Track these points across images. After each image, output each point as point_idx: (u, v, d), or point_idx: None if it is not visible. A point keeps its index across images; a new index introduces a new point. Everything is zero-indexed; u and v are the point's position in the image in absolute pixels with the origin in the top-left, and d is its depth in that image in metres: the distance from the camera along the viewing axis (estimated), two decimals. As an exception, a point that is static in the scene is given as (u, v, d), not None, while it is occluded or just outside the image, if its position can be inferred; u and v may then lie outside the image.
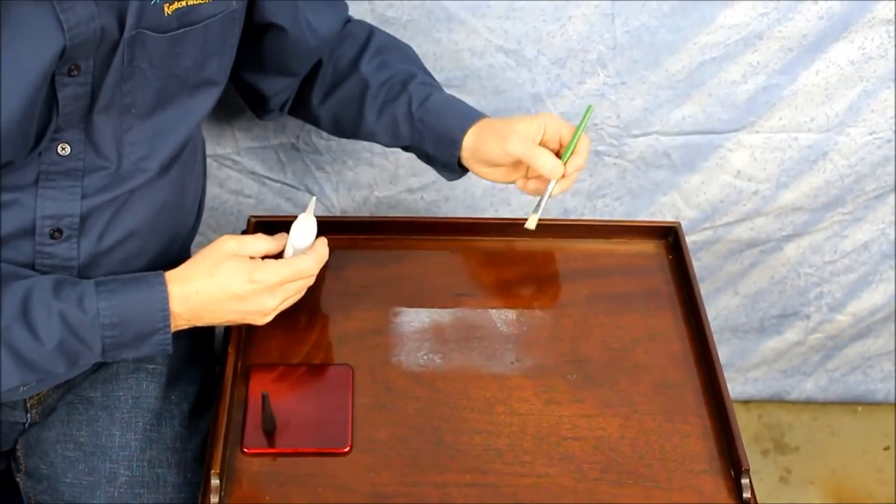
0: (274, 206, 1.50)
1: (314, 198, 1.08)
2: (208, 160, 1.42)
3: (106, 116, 0.96)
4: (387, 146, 1.21)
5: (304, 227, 1.05)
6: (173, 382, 1.17)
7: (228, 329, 1.08)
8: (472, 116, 1.14)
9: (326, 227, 1.11)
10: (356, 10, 1.30)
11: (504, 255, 1.22)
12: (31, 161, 0.95)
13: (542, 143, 1.11)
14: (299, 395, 1.05)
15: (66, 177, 0.97)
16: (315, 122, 1.25)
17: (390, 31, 1.31)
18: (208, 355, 1.24)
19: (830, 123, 1.45)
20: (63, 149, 0.96)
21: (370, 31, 1.20)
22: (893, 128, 1.46)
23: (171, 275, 1.00)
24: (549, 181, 1.12)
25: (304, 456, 1.00)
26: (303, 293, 1.07)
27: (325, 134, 1.43)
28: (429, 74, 1.21)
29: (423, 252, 1.21)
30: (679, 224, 1.23)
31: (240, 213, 1.52)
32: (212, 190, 1.47)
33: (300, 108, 1.24)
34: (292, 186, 1.50)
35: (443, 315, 1.14)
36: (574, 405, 1.06)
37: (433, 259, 1.21)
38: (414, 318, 1.14)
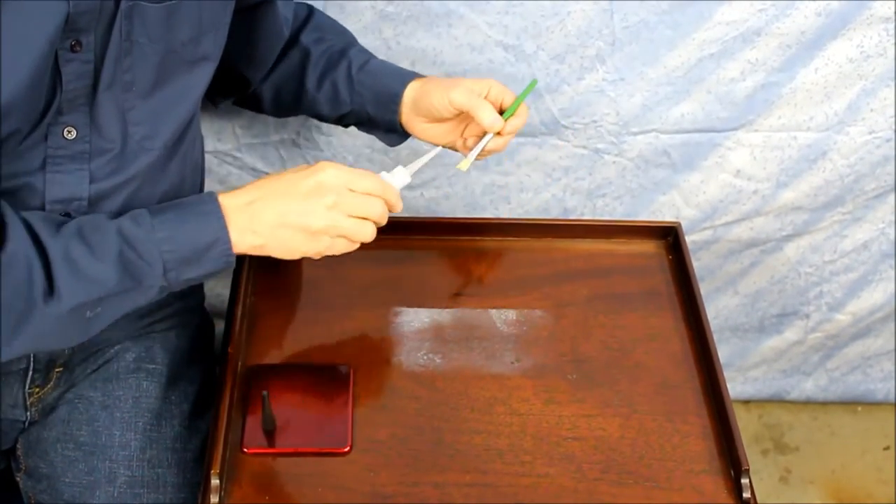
0: (273, 203, 1.51)
1: (431, 153, 1.11)
2: (208, 157, 1.43)
3: (109, 95, 0.97)
4: (327, 118, 1.22)
5: (403, 177, 1.08)
6: (173, 382, 1.17)
7: (228, 329, 1.09)
8: (412, 74, 1.17)
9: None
10: (355, 7, 1.31)
11: (504, 254, 1.23)
12: (38, 145, 0.96)
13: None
14: (299, 394, 1.05)
15: (73, 160, 0.98)
16: (256, 103, 1.26)
17: (390, 27, 1.32)
18: (208, 355, 1.25)
19: (830, 122, 1.46)
20: (69, 132, 0.97)
21: (310, 10, 1.23)
22: (893, 127, 1.46)
23: (232, 194, 0.99)
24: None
25: (304, 456, 1.00)
26: (366, 232, 1.03)
27: (325, 129, 1.43)
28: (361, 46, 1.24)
29: (423, 252, 1.22)
30: (679, 224, 1.24)
31: (239, 211, 1.52)
32: (212, 187, 1.47)
33: (240, 92, 1.25)
34: (291, 184, 1.51)
35: (443, 315, 1.15)
36: (574, 405, 1.06)
37: (433, 259, 1.22)
38: (414, 318, 1.15)
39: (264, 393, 0.99)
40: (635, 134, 1.46)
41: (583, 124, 1.45)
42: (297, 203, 0.99)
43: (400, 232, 1.22)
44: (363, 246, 1.21)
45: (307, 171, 1.01)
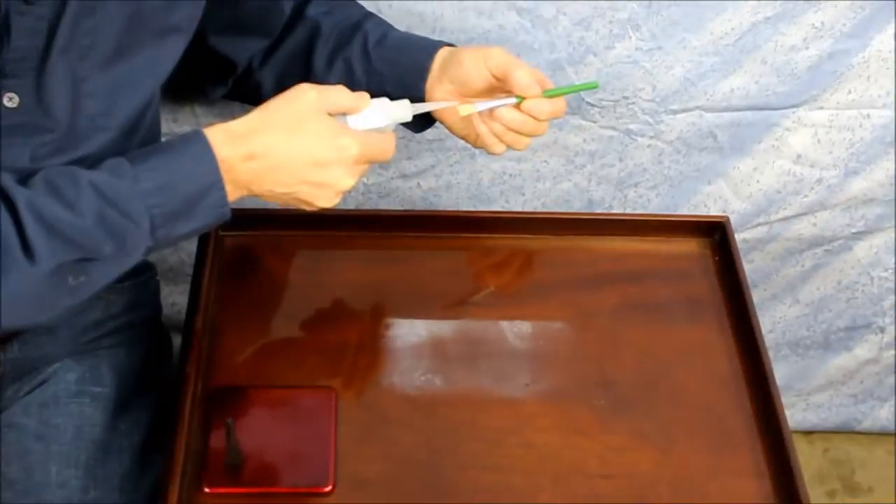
0: (242, 196, 1.51)
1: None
2: (163, 140, 1.42)
3: (63, 61, 0.97)
4: None
5: (395, 111, 1.07)
6: (122, 409, 1.17)
7: (187, 344, 1.09)
8: (437, 43, 1.17)
9: (303, 222, 1.11)
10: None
11: (517, 255, 1.23)
12: None
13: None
14: (271, 423, 1.05)
15: (12, 133, 0.98)
16: (255, 93, 1.26)
17: (385, -15, 1.32)
18: (163, 377, 1.25)
19: (909, 98, 1.46)
20: (10, 99, 0.97)
21: None
22: None
23: (235, 125, 1.00)
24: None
25: (278, 497, 1.00)
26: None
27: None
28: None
29: (420, 252, 1.22)
30: (727, 219, 1.24)
31: (201, 204, 1.52)
32: (167, 177, 1.47)
33: (236, 83, 1.26)
34: (263, 172, 1.51)
35: (443, 327, 1.15)
36: (601, 437, 1.06)
37: (432, 261, 1.21)
38: (409, 331, 1.14)
39: (229, 421, 0.99)
40: (675, 112, 1.46)
41: (612, 101, 1.44)
42: (310, 183, 1.02)
43: (392, 228, 1.22)
44: (348, 245, 1.21)
45: (324, 127, 1.01)
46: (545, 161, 1.50)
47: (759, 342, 1.12)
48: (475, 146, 1.17)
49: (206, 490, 1.00)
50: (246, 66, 1.23)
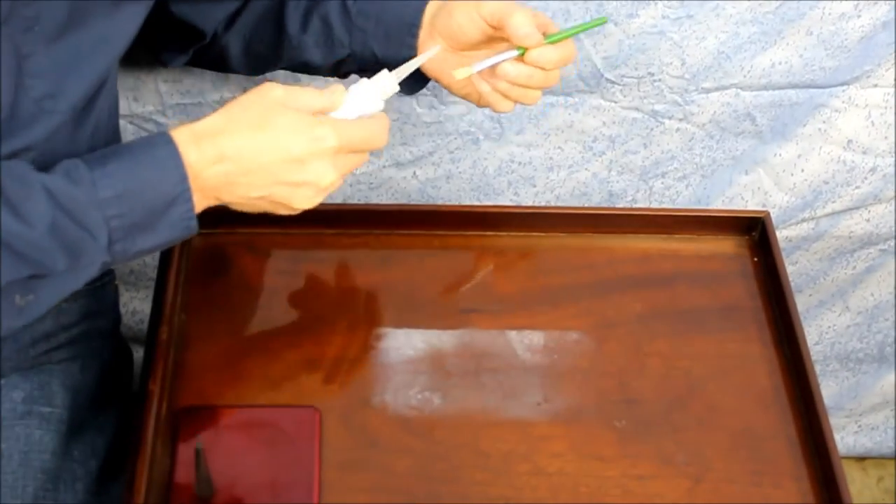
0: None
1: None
2: (122, 122, 1.43)
3: (2, 34, 0.97)
4: (320, 67, 1.23)
5: (375, 91, 1.07)
6: (77, 432, 1.17)
7: (150, 359, 1.09)
8: None
9: (282, 218, 1.12)
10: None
11: (527, 256, 1.23)
12: None
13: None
14: (246, 448, 1.05)
15: None
16: (221, 60, 1.27)
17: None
18: (123, 396, 1.25)
19: (977, 74, 1.46)
20: None
21: None
22: None
23: (198, 126, 1.00)
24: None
25: (254, 532, 1.00)
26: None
27: (282, 80, 1.43)
28: None
29: (417, 252, 1.22)
30: (767, 214, 1.24)
31: (164, 198, 1.52)
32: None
33: (198, 50, 1.26)
34: (236, 160, 1.51)
35: (443, 338, 1.15)
36: (623, 462, 1.06)
37: (430, 262, 1.22)
38: (404, 343, 1.15)
39: (198, 445, 1.00)
40: (707, 91, 1.46)
41: (635, 78, 1.45)
42: (287, 183, 1.02)
43: (385, 225, 1.23)
44: (334, 244, 1.22)
45: (295, 120, 1.01)
46: (559, 147, 1.51)
47: (803, 355, 1.12)
48: (479, 105, 1.18)
49: (173, 525, 1.00)
50: (211, 33, 1.23)
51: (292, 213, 1.05)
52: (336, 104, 1.05)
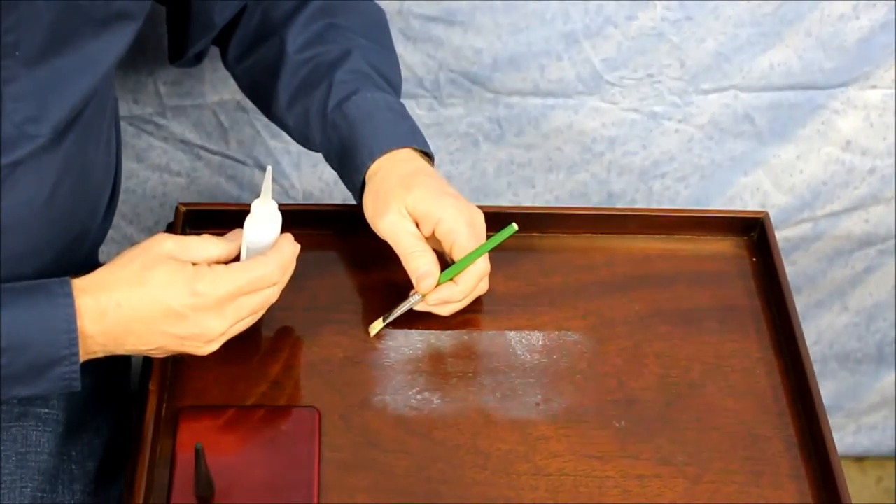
0: (212, 186, 1.51)
1: (269, 169, 1.06)
2: (123, 124, 1.43)
3: None
4: (302, 146, 1.23)
5: (263, 218, 1.05)
6: (74, 433, 1.17)
7: (149, 359, 1.09)
8: (392, 142, 1.14)
9: (284, 217, 1.12)
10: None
11: (527, 256, 1.23)
12: None
13: (435, 238, 1.12)
14: (247, 448, 1.05)
15: None
16: (237, 82, 1.28)
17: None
18: (121, 395, 1.25)
19: (977, 75, 1.46)
20: None
21: None
22: None
23: (81, 282, 1.00)
24: None
25: (254, 532, 1.00)
26: (262, 313, 1.08)
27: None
28: (382, 59, 1.21)
29: (416, 253, 1.22)
30: (766, 214, 1.24)
31: (165, 198, 1.52)
32: (127, 165, 1.47)
33: (222, 56, 1.27)
34: (237, 160, 1.51)
35: (442, 339, 1.15)
36: (623, 463, 1.06)
37: (429, 262, 1.22)
38: (403, 343, 1.15)
39: (198, 446, 0.99)
40: (707, 92, 1.46)
41: (635, 79, 1.45)
42: (172, 335, 1.02)
43: (384, 226, 1.23)
44: (334, 245, 1.22)
45: (173, 274, 1.01)
46: (558, 148, 1.51)
47: (802, 356, 1.12)
48: None
49: (172, 525, 1.00)
50: (206, 43, 1.23)
51: (202, 354, 1.05)
52: (230, 252, 1.05)
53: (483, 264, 1.12)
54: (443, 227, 1.10)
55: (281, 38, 1.19)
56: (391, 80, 1.21)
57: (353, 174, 1.15)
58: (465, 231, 1.10)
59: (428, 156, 1.17)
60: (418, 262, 1.10)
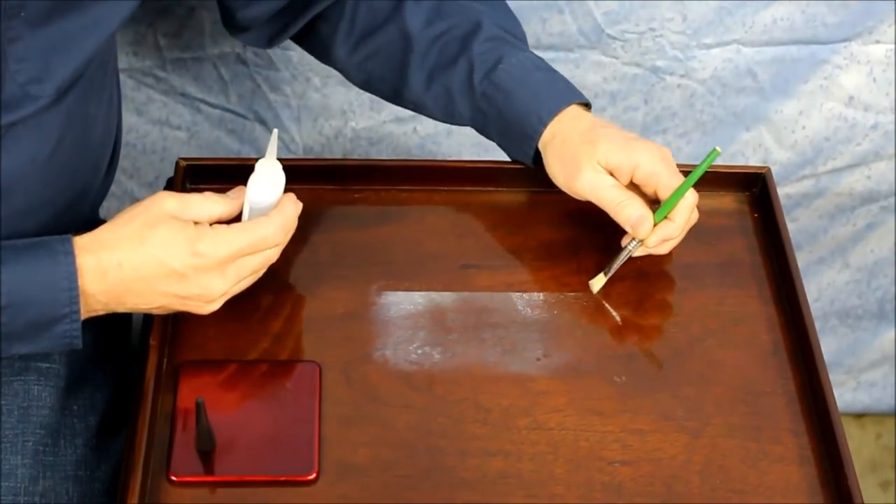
0: (212, 140, 1.51)
1: (276, 132, 1.06)
2: (122, 77, 1.42)
3: None
4: (442, 122, 1.23)
5: (266, 179, 1.05)
6: (75, 387, 1.18)
7: (149, 315, 1.09)
8: (557, 102, 1.15)
9: (284, 172, 1.12)
10: None
11: (527, 211, 1.23)
12: None
13: (635, 185, 1.13)
14: (247, 403, 1.06)
15: None
16: (346, 76, 1.27)
17: None
18: (122, 350, 1.26)
19: (982, 29, 1.46)
20: None
21: None
22: None
23: (82, 240, 1.00)
24: None
25: (255, 486, 1.01)
26: (262, 272, 1.08)
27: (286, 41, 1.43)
28: (506, 18, 1.21)
29: (417, 208, 1.22)
30: (768, 170, 1.24)
31: (165, 152, 1.52)
32: (127, 119, 1.47)
33: (323, 53, 1.25)
34: (237, 114, 1.51)
35: (443, 294, 1.16)
36: (623, 418, 1.07)
37: (430, 218, 1.22)
38: (404, 299, 1.15)
39: (199, 400, 1.00)
40: (709, 47, 1.46)
41: (636, 33, 1.45)
42: (173, 295, 1.03)
43: (385, 180, 1.23)
44: (335, 199, 1.22)
45: (175, 234, 1.01)
46: (559, 103, 1.50)
47: (803, 312, 1.12)
48: None
49: (173, 479, 1.01)
50: (261, 21, 1.21)
51: (203, 313, 1.06)
52: (233, 210, 1.05)
53: (692, 195, 1.12)
54: (642, 172, 1.11)
55: (399, 21, 1.18)
56: (520, 37, 1.21)
57: (521, 143, 1.16)
58: (665, 170, 1.11)
59: (586, 105, 1.18)
60: (630, 210, 1.11)
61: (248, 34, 1.23)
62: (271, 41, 1.23)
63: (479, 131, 1.20)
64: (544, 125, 1.14)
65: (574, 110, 1.15)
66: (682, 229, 1.13)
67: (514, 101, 1.15)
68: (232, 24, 1.23)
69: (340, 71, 1.26)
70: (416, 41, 1.18)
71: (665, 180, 1.11)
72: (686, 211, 1.12)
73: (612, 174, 1.12)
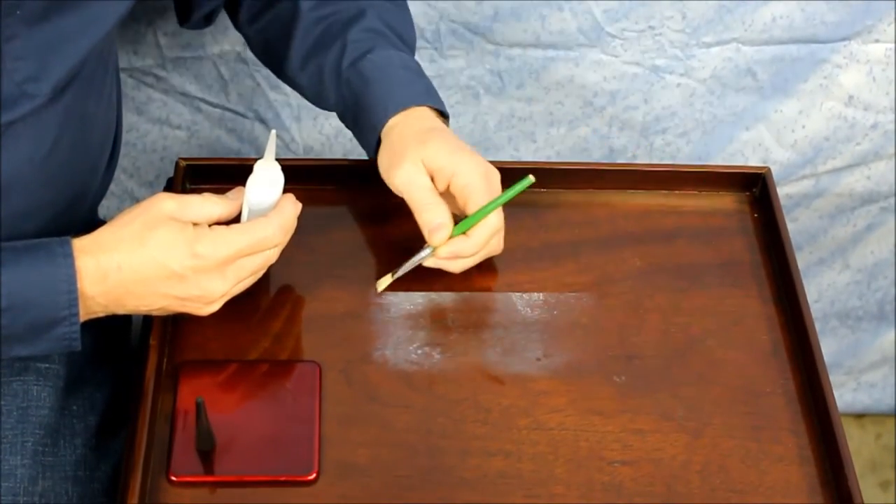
0: (212, 139, 1.51)
1: (274, 133, 1.07)
2: (122, 76, 1.42)
3: None
4: (315, 105, 1.23)
5: (265, 180, 1.06)
6: (75, 387, 1.18)
7: (148, 315, 1.09)
8: (409, 100, 1.15)
9: (284, 172, 1.12)
10: None
11: (528, 212, 1.23)
12: None
13: (451, 195, 1.12)
14: (247, 403, 1.06)
15: None
16: (248, 43, 1.28)
17: None
18: (122, 350, 1.26)
19: (983, 29, 1.46)
20: None
21: None
22: None
23: (81, 242, 1.01)
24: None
25: (254, 486, 1.01)
26: (262, 273, 1.08)
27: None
28: (396, 17, 1.21)
29: (417, 208, 1.22)
30: (768, 170, 1.24)
31: (165, 151, 1.52)
32: (127, 118, 1.47)
33: (234, 20, 1.27)
34: (237, 113, 1.51)
35: (443, 294, 1.16)
36: (623, 418, 1.07)
37: (430, 217, 1.22)
38: (404, 299, 1.15)
39: (199, 399, 1.00)
40: (708, 45, 1.46)
41: (636, 32, 1.45)
42: (173, 297, 1.03)
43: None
44: (334, 199, 1.22)
45: (175, 236, 1.01)
46: (559, 103, 1.51)
47: (803, 312, 1.12)
48: None
49: (173, 479, 1.01)
50: (210, 6, 1.23)
51: (203, 314, 1.06)
52: (232, 211, 1.05)
53: (496, 219, 1.11)
54: (458, 182, 1.10)
55: (295, 0, 1.19)
56: (405, 38, 1.21)
57: (368, 132, 1.15)
58: (481, 186, 1.10)
59: (443, 116, 1.17)
60: (431, 215, 1.10)
61: (195, 20, 1.25)
62: (209, 19, 1.26)
63: (341, 119, 1.21)
64: (388, 117, 1.14)
65: (423, 111, 1.15)
66: (476, 248, 1.12)
67: (369, 91, 1.15)
68: (189, 19, 1.25)
69: (244, 37, 1.27)
70: (302, 18, 1.19)
71: (476, 196, 1.10)
72: (486, 232, 1.11)
73: (432, 177, 1.11)
